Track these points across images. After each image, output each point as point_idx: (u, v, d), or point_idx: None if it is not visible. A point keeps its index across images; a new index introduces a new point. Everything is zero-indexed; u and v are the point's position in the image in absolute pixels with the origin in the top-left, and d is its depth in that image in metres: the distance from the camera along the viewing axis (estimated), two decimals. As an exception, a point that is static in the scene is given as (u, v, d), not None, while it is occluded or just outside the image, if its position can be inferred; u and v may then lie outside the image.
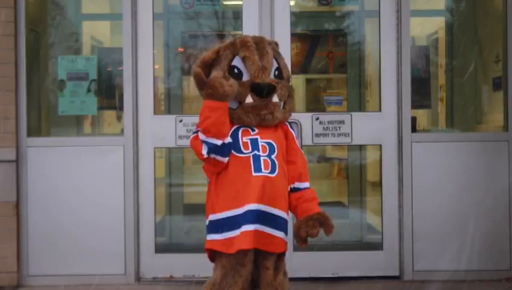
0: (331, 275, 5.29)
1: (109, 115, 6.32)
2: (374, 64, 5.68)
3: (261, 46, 3.60)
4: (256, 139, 3.56)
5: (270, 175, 3.49)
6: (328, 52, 7.81)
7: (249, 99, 3.55)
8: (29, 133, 5.27)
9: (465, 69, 6.41)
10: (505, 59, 5.40)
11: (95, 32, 6.55)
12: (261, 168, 3.48)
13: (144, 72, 5.31)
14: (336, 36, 7.67)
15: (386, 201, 5.34)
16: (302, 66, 8.36)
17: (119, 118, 5.84)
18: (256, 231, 3.43)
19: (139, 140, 5.30)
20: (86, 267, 5.21)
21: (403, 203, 5.26)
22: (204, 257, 5.45)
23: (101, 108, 5.68)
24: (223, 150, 3.49)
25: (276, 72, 3.62)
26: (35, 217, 5.22)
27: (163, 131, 5.31)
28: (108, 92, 5.76)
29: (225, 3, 6.24)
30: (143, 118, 5.31)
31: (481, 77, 6.25)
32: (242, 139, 3.56)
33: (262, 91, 3.52)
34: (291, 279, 3.87)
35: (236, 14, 5.93)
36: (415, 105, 5.57)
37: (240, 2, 5.39)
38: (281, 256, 3.60)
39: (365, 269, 5.29)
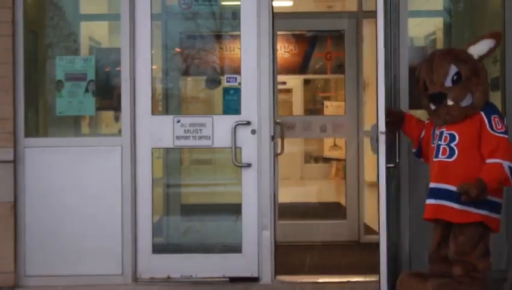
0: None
1: (107, 115, 6.30)
2: (372, 65, 5.67)
3: (431, 61, 4.47)
4: (442, 131, 4.41)
5: (445, 160, 4.33)
6: (326, 52, 7.81)
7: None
8: (27, 134, 5.27)
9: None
10: (502, 60, 5.40)
11: (93, 33, 6.54)
12: (438, 154, 4.37)
13: (142, 73, 5.31)
14: (334, 36, 7.68)
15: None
16: (300, 66, 8.37)
17: (117, 119, 5.83)
18: (435, 205, 4.37)
19: (137, 140, 5.30)
20: (83, 268, 5.21)
21: (400, 203, 5.25)
22: (202, 257, 5.47)
23: (98, 108, 5.67)
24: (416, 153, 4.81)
25: (455, 77, 4.37)
26: (33, 218, 5.21)
27: (161, 131, 5.31)
28: (106, 92, 5.75)
29: (223, 3, 6.22)
30: (141, 119, 5.31)
31: (479, 77, 6.23)
32: (436, 132, 4.47)
33: (433, 100, 4.41)
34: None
35: (235, 14, 5.91)
36: (414, 105, 5.56)
37: (238, 3, 5.38)
38: (463, 228, 4.31)
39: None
